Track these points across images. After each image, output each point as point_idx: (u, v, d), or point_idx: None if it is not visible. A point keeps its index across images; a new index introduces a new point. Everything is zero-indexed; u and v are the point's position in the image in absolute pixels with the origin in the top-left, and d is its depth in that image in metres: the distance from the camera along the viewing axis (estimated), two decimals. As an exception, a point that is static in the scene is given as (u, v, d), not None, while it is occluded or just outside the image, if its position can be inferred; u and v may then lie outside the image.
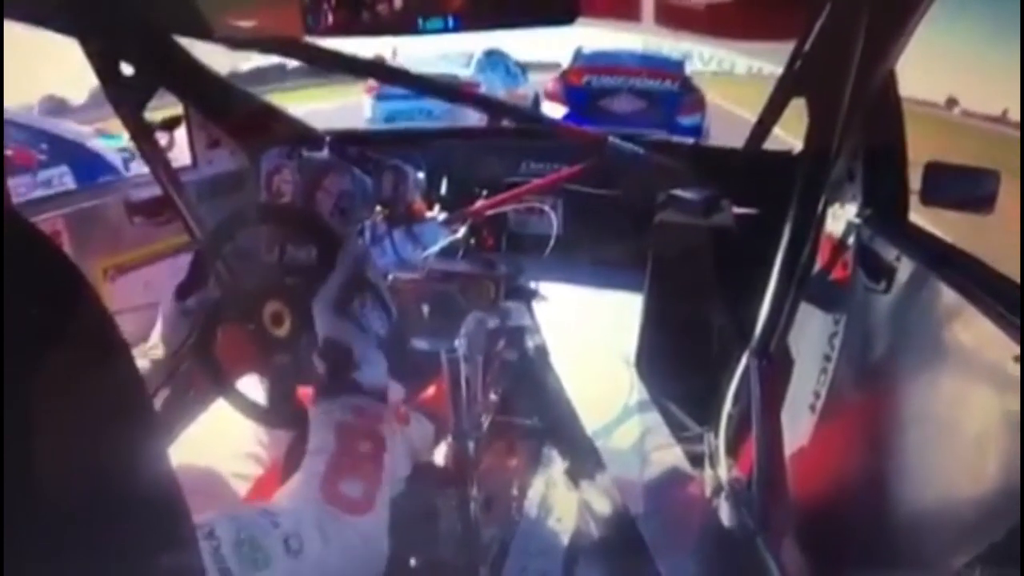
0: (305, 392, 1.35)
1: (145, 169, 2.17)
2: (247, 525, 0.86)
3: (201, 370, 1.35)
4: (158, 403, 1.41)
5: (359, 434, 1.10)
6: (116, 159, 6.13)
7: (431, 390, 1.80)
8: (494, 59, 12.86)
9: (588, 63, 10.87)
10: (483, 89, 10.95)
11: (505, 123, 2.83)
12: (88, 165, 5.96)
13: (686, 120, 9.93)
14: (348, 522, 0.99)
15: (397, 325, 1.46)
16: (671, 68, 10.77)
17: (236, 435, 1.49)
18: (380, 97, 11.16)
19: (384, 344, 1.25)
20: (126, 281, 2.23)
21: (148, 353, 1.36)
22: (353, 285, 1.24)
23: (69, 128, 6.54)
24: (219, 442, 1.48)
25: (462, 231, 1.96)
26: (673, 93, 10.27)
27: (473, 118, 7.76)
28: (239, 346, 1.36)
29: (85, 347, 0.54)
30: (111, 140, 6.42)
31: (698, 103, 10.37)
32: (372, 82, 10.59)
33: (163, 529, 0.61)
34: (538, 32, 1.24)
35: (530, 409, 2.13)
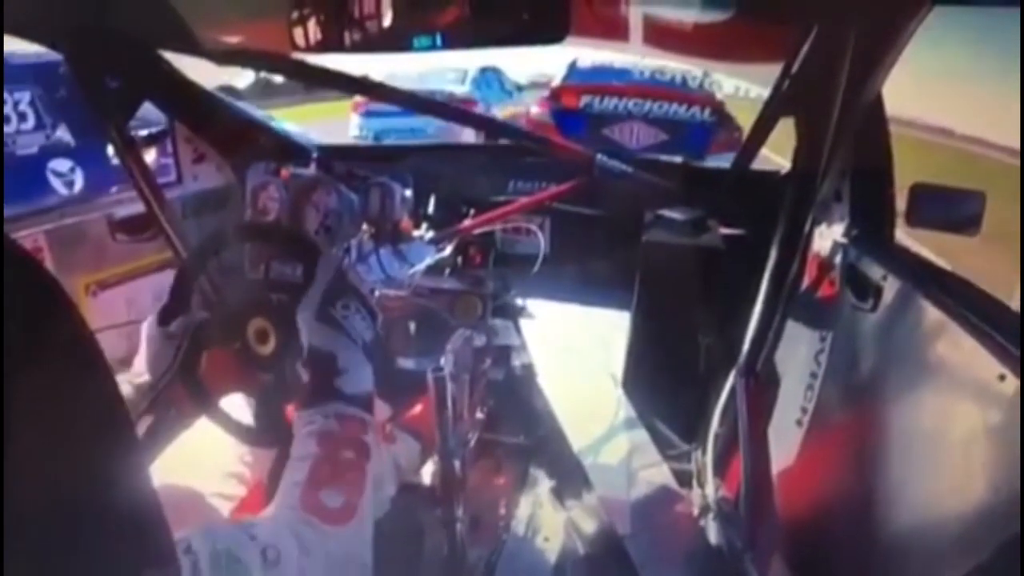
0: (289, 410, 1.33)
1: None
2: (223, 538, 0.86)
3: (187, 393, 1.34)
4: (142, 427, 1.39)
5: (341, 441, 1.09)
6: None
7: (417, 408, 1.79)
8: (488, 76, 11.96)
9: (586, 80, 8.43)
10: (479, 107, 9.98)
11: (496, 141, 2.82)
12: None
13: (719, 161, 6.61)
14: (327, 532, 0.97)
15: (383, 343, 1.45)
16: (699, 91, 8.29)
17: (219, 455, 1.47)
18: (367, 114, 10.19)
19: (369, 349, 1.23)
20: (108, 297, 2.22)
21: (133, 380, 1.34)
22: (334, 291, 1.23)
23: None
24: (202, 462, 1.46)
25: (449, 249, 1.95)
26: (703, 124, 7.81)
27: (466, 136, 7.50)
28: (224, 368, 1.35)
29: (65, 364, 0.54)
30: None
31: (735, 139, 7.43)
32: (359, 98, 10.05)
33: (143, 546, 0.60)
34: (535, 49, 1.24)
35: (517, 428, 2.12)
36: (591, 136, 7.57)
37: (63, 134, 2.39)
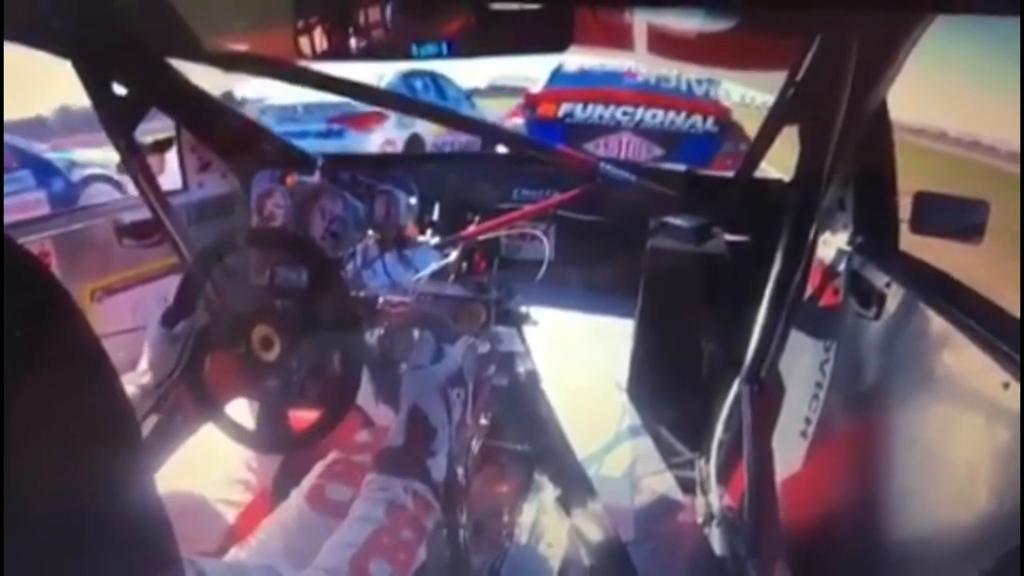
0: (295, 416, 1.33)
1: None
2: None
3: (191, 396, 1.34)
4: (146, 429, 1.39)
5: (407, 520, 1.08)
6: (63, 166, 8.06)
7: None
8: (418, 83, 9.86)
9: (568, 85, 7.27)
10: (390, 121, 8.44)
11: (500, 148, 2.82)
12: (43, 171, 7.75)
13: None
14: None
15: (388, 349, 1.46)
16: (701, 97, 7.06)
17: (225, 461, 1.47)
18: None
19: (451, 436, 1.25)
20: (114, 303, 2.22)
21: (136, 380, 1.34)
22: (460, 375, 1.27)
23: (26, 143, 8.29)
24: (208, 468, 1.46)
25: (454, 255, 1.95)
26: (706, 136, 6.62)
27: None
28: (228, 372, 1.35)
29: (70, 368, 0.54)
30: (62, 154, 8.45)
31: (743, 153, 5.19)
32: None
33: (145, 550, 0.60)
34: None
35: (520, 434, 2.12)
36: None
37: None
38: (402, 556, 1.04)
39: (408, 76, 9.44)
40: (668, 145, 6.67)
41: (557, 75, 7.62)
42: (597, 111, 6.85)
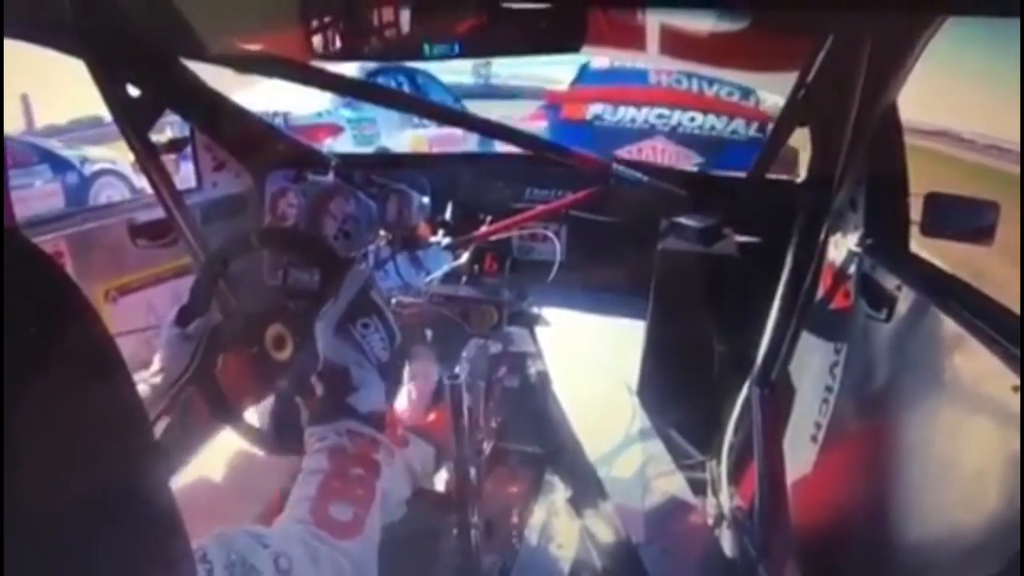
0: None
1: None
2: (236, 546, 0.86)
3: (204, 396, 1.34)
4: (159, 431, 1.40)
5: (351, 458, 1.09)
6: (76, 161, 8.70)
7: (432, 415, 1.79)
8: (391, 82, 7.67)
9: (597, 84, 6.59)
10: (345, 135, 7.11)
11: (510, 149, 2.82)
12: (59, 165, 8.43)
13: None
14: (337, 545, 0.98)
15: (399, 350, 1.46)
16: (742, 100, 6.29)
17: (242, 462, 1.48)
18: None
19: (384, 369, 1.24)
20: (128, 303, 2.23)
21: (149, 380, 1.35)
22: (357, 308, 1.24)
23: (43, 140, 9.28)
24: (224, 469, 1.47)
25: (466, 256, 1.96)
26: (749, 143, 5.85)
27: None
28: (241, 372, 1.35)
29: (83, 366, 0.54)
30: (75, 150, 9.02)
31: (790, 162, 4.67)
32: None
33: (157, 549, 0.61)
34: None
35: (532, 436, 2.12)
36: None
37: None
38: (359, 492, 1.05)
39: (375, 75, 7.30)
40: (706, 152, 6.03)
41: (584, 72, 6.93)
42: (629, 113, 6.29)
